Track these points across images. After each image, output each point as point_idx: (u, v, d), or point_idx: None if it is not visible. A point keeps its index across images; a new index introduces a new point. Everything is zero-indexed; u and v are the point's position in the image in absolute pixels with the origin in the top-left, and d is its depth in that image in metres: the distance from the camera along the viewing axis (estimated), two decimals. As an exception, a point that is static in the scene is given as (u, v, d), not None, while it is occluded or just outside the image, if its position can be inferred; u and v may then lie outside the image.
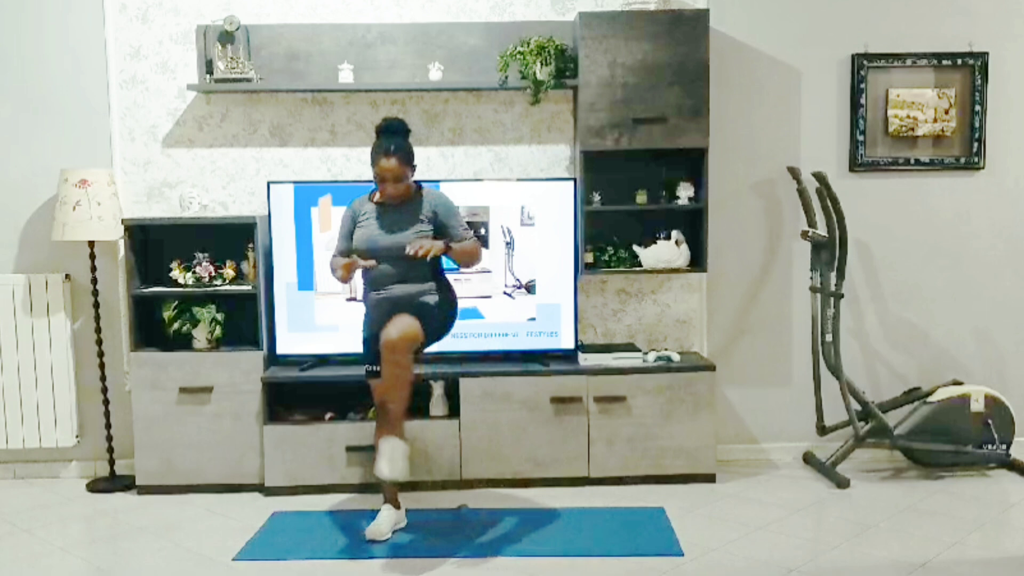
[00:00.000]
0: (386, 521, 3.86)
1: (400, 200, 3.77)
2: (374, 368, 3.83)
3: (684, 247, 4.60)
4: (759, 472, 4.69)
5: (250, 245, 4.48)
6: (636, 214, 4.64)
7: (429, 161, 4.70)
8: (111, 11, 4.57)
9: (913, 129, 4.72)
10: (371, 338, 3.81)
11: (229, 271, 4.50)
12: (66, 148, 4.60)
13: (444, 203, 3.82)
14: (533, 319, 4.58)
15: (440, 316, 3.82)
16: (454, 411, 4.42)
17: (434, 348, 4.46)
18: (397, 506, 3.94)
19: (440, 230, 3.78)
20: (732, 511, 4.14)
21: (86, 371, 4.69)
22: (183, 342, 4.48)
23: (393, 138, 3.71)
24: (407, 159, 3.72)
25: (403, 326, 3.61)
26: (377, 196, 3.82)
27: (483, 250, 3.96)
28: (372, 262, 3.69)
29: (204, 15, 4.58)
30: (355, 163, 4.69)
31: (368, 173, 4.65)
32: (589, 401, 4.42)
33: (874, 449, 4.71)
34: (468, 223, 4.01)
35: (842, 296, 4.52)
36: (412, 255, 3.60)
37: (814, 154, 4.72)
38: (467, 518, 4.07)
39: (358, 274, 3.83)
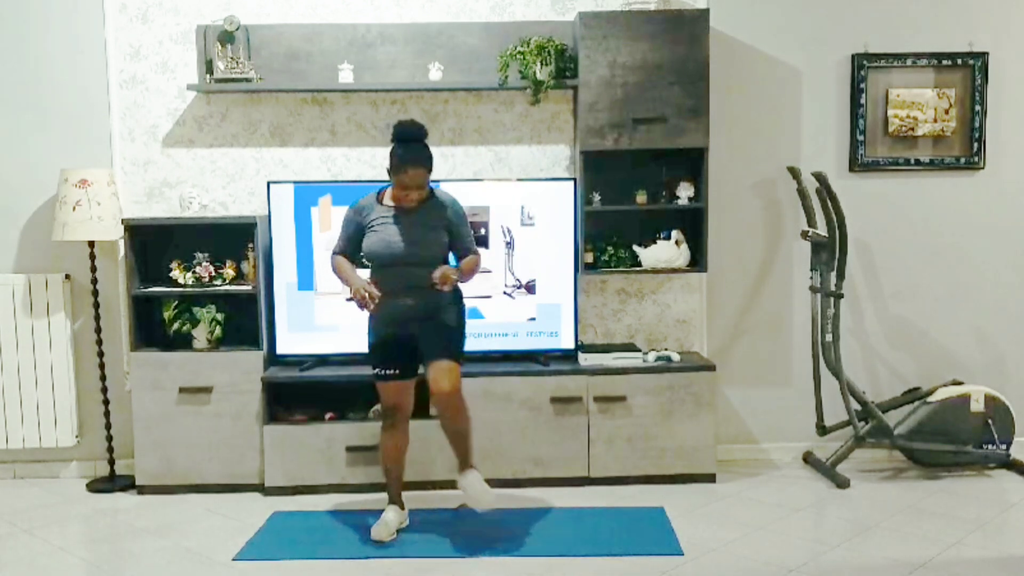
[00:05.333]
0: (392, 521, 3.88)
1: (416, 205, 3.78)
2: (386, 371, 3.83)
3: (684, 247, 4.60)
4: (759, 472, 4.69)
5: (250, 245, 4.48)
6: (636, 214, 4.64)
7: (429, 161, 4.70)
8: (111, 11, 4.58)
9: (913, 129, 4.72)
10: (384, 343, 3.81)
11: (229, 271, 4.50)
12: (66, 148, 4.60)
13: (458, 211, 3.84)
14: (533, 319, 4.58)
15: (460, 327, 3.88)
16: (454, 411, 4.42)
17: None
18: (402, 506, 3.97)
19: (453, 238, 3.82)
20: (732, 511, 4.14)
21: (86, 371, 4.69)
22: (183, 342, 4.48)
23: (418, 146, 3.70)
24: (431, 166, 3.74)
25: (446, 372, 3.70)
26: (387, 198, 3.81)
27: (482, 258, 3.98)
28: (377, 296, 3.67)
29: (204, 15, 4.58)
30: (355, 163, 4.70)
31: (369, 173, 4.69)
32: (589, 401, 4.42)
33: (874, 449, 4.71)
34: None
35: (842, 296, 4.52)
36: (438, 286, 3.65)
37: (814, 154, 4.73)
38: (467, 518, 4.08)
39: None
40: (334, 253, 3.90)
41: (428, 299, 3.75)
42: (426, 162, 3.70)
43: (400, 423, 3.92)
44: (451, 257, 3.87)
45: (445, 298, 3.79)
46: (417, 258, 3.71)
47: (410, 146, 3.69)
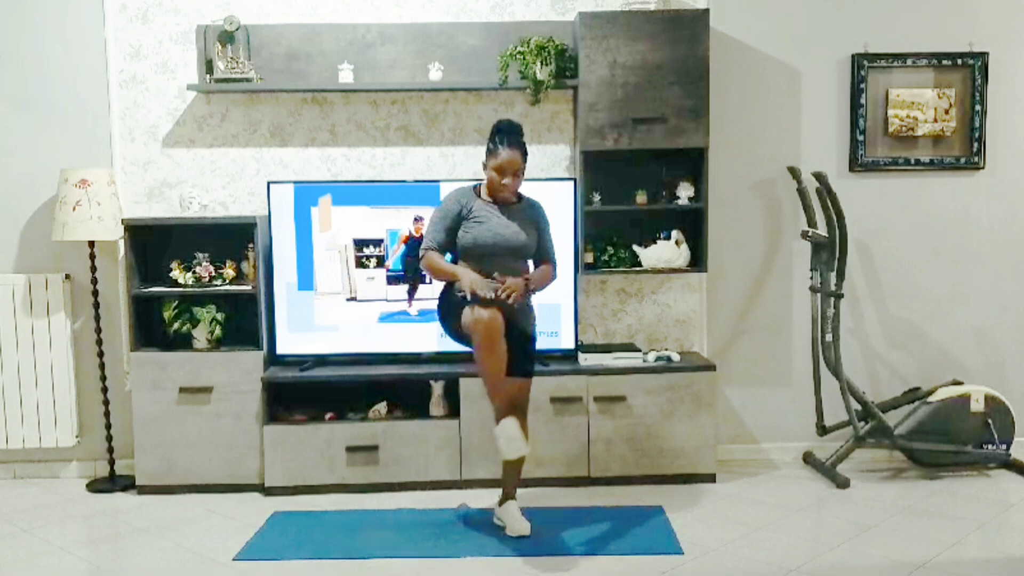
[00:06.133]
0: (518, 513, 3.87)
1: (508, 201, 3.79)
2: (487, 299, 3.55)
3: (684, 247, 4.60)
4: (759, 472, 4.69)
5: (250, 245, 4.48)
6: (636, 214, 4.64)
7: (429, 161, 4.70)
8: (111, 11, 4.57)
9: (913, 129, 4.72)
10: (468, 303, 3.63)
11: (229, 271, 4.50)
12: (66, 148, 4.60)
13: (546, 218, 3.91)
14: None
15: (536, 338, 3.94)
16: (454, 411, 4.42)
17: (433, 348, 4.49)
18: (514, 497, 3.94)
19: (537, 242, 3.87)
20: (732, 511, 4.14)
21: (86, 371, 4.69)
22: (183, 342, 4.48)
23: (513, 135, 3.75)
24: (525, 156, 3.76)
25: (526, 389, 3.86)
26: (485, 192, 3.80)
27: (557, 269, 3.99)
28: (497, 286, 3.56)
29: (204, 15, 4.58)
30: (355, 163, 4.70)
31: (369, 173, 4.70)
32: (589, 401, 4.42)
33: (874, 449, 4.71)
34: None
35: (842, 296, 4.52)
36: (505, 297, 3.55)
37: (814, 154, 4.72)
38: (467, 518, 4.08)
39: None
40: (426, 249, 3.76)
41: (523, 305, 3.78)
42: (521, 147, 3.74)
43: (500, 342, 3.61)
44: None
45: (529, 299, 3.84)
46: (521, 252, 3.76)
47: (506, 134, 3.74)
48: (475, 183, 3.88)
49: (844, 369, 4.52)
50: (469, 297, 3.58)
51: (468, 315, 3.61)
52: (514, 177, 3.73)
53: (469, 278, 3.61)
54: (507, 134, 3.74)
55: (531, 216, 3.85)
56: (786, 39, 4.70)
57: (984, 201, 4.79)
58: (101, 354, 4.58)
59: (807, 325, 4.65)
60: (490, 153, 3.75)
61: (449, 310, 3.80)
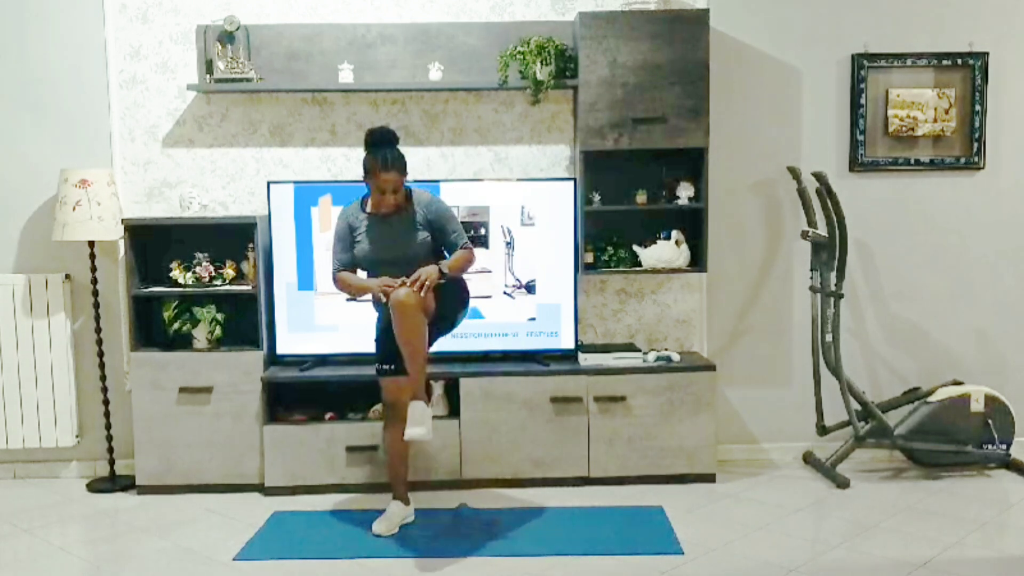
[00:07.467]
0: (395, 516, 3.93)
1: (394, 209, 3.80)
2: (384, 367, 3.89)
3: (684, 247, 4.60)
4: (759, 472, 4.69)
5: (250, 245, 4.48)
6: (636, 214, 4.64)
7: (429, 161, 4.70)
8: (111, 11, 4.58)
9: (913, 129, 4.72)
10: (383, 336, 3.87)
11: (229, 271, 4.50)
12: (66, 148, 4.60)
13: (437, 207, 3.84)
14: (533, 319, 4.58)
15: (454, 292, 3.83)
16: (454, 411, 4.42)
17: (435, 348, 4.48)
18: (406, 502, 4.00)
19: (437, 235, 3.82)
20: (732, 511, 4.14)
21: (86, 371, 4.69)
22: (183, 342, 4.48)
23: (387, 149, 3.73)
24: (404, 169, 3.76)
25: (412, 292, 3.61)
26: (370, 206, 3.85)
27: (475, 254, 3.91)
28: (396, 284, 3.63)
29: (204, 15, 4.58)
30: (355, 163, 4.69)
31: (368, 173, 4.69)
32: (589, 401, 4.42)
33: (874, 449, 4.71)
34: (464, 223, 4.09)
35: (842, 296, 4.52)
36: (417, 287, 3.58)
37: (814, 154, 4.72)
38: (467, 518, 4.08)
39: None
40: (335, 272, 3.91)
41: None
42: (397, 162, 3.73)
43: (401, 419, 3.92)
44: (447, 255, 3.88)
45: (455, 286, 3.83)
46: (400, 262, 3.73)
47: (381, 150, 3.73)
48: (362, 195, 3.90)
49: (844, 369, 4.52)
50: (386, 300, 3.62)
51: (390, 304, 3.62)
52: (395, 194, 3.75)
53: (376, 284, 3.70)
54: (384, 150, 3.70)
55: (420, 216, 3.79)
56: (786, 39, 4.70)
57: (984, 201, 4.79)
58: (101, 354, 4.58)
59: (807, 325, 4.65)
60: (367, 173, 3.74)
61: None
